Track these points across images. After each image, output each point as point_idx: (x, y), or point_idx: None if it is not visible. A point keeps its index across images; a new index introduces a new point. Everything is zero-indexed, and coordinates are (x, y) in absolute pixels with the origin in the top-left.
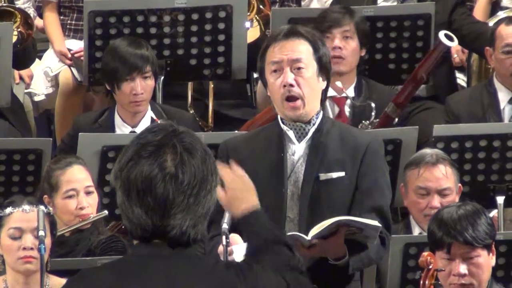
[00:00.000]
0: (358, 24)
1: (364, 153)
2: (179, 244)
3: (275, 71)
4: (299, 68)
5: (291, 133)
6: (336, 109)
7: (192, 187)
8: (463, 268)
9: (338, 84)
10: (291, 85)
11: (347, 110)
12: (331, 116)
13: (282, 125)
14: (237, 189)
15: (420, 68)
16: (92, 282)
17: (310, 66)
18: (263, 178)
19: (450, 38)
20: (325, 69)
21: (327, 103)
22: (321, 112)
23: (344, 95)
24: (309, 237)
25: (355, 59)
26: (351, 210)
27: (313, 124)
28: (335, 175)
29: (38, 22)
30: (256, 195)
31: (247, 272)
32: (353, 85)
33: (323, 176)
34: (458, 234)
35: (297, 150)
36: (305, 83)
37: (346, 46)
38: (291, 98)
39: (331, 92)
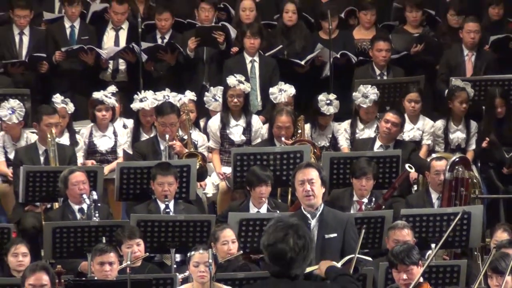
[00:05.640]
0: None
1: (346, 223)
2: (296, 278)
3: (301, 184)
4: (312, 183)
5: (308, 215)
6: (357, 207)
7: (301, 254)
8: (404, 276)
9: (358, 197)
10: (308, 191)
11: (363, 207)
12: (356, 209)
13: (304, 211)
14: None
15: (396, 182)
16: None
17: (317, 181)
18: None
19: (411, 168)
20: (324, 182)
21: (354, 201)
22: (323, 203)
23: (363, 200)
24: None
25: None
26: (344, 253)
27: (319, 210)
28: (332, 235)
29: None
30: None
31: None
32: (367, 197)
33: (326, 236)
34: (400, 259)
35: (312, 223)
36: (315, 189)
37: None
38: (308, 197)
39: (356, 197)
